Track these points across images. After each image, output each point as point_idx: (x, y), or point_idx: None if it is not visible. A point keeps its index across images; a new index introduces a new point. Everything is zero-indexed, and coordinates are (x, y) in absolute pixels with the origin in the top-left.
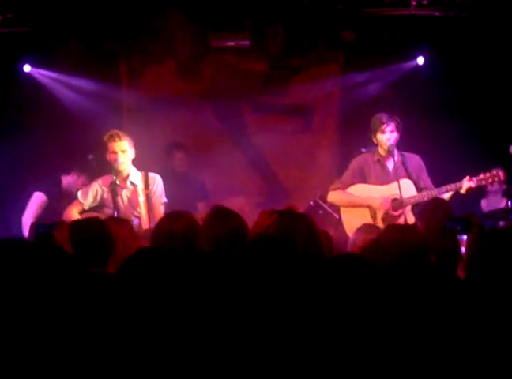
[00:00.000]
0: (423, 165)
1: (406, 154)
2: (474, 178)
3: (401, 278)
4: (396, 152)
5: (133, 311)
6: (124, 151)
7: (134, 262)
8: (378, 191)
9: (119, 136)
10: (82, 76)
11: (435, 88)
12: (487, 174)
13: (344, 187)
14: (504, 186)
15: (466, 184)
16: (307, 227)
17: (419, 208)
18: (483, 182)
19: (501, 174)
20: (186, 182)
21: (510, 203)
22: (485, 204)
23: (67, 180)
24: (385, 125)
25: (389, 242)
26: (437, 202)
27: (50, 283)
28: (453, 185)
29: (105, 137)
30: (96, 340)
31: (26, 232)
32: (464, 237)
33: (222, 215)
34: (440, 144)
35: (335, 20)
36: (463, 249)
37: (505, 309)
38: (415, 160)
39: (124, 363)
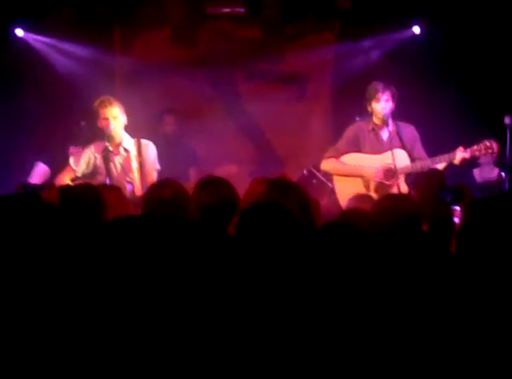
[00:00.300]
0: (417, 135)
1: (401, 124)
2: (468, 149)
3: (392, 247)
4: (391, 122)
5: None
6: (115, 117)
7: (110, 230)
8: (371, 160)
9: (110, 102)
10: (75, 41)
11: (431, 57)
12: (481, 146)
13: (338, 155)
14: (495, 157)
15: (460, 155)
16: (298, 196)
17: (412, 177)
18: (477, 153)
19: (494, 145)
20: (178, 148)
21: (502, 173)
22: (478, 174)
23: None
24: (380, 93)
25: (383, 210)
26: (431, 172)
27: (38, 234)
28: (446, 156)
29: (96, 104)
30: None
31: None
32: (457, 207)
33: (211, 184)
34: (435, 113)
35: None
36: (456, 219)
37: (493, 278)
38: (409, 130)
39: (109, 321)
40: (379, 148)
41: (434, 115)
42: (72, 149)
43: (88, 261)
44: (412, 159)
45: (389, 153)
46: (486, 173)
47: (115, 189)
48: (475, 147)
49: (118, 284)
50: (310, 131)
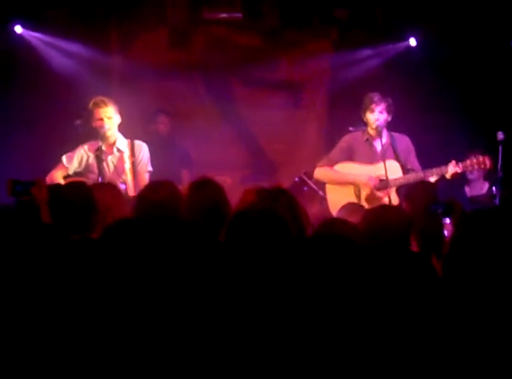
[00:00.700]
0: (412, 146)
1: (396, 134)
2: (460, 164)
3: (379, 258)
4: (385, 133)
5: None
6: (110, 117)
7: (112, 231)
8: (364, 170)
9: (104, 103)
10: (73, 40)
11: (426, 70)
12: (474, 160)
13: (331, 164)
14: (486, 172)
15: (452, 169)
16: (289, 204)
17: (404, 189)
18: (470, 168)
19: (487, 161)
20: (171, 149)
21: (493, 188)
22: (468, 189)
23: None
24: (374, 104)
25: (372, 221)
26: (423, 184)
27: (26, 253)
28: (438, 169)
29: (90, 104)
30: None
31: None
32: (447, 220)
33: (202, 186)
34: (429, 126)
35: None
36: (445, 232)
37: (481, 291)
38: (404, 141)
39: (104, 326)
40: (372, 158)
41: (428, 127)
42: None
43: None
44: (406, 170)
45: (381, 164)
46: (477, 187)
47: (111, 187)
48: (468, 161)
49: (116, 285)
50: (304, 139)
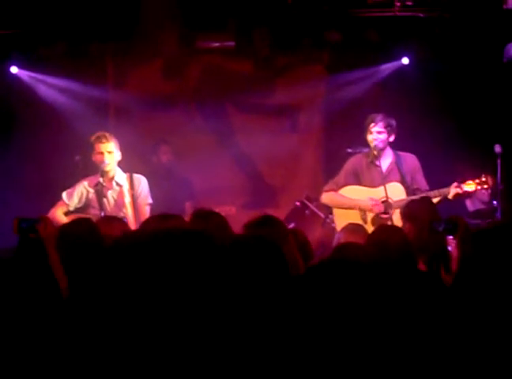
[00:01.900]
0: (418, 165)
1: (402, 154)
2: (462, 185)
3: (385, 278)
4: (390, 152)
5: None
6: (110, 152)
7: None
8: (369, 193)
9: (106, 138)
10: (69, 77)
11: (420, 88)
12: (476, 180)
13: (337, 188)
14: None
15: (453, 190)
16: (280, 230)
17: (406, 209)
18: (472, 189)
19: (490, 180)
20: (173, 181)
21: (494, 202)
22: (470, 203)
23: None
24: (373, 124)
25: (373, 242)
26: (425, 203)
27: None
28: (441, 191)
29: (92, 138)
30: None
31: None
32: (451, 237)
33: (202, 217)
34: (426, 143)
35: (320, 20)
36: (449, 248)
37: (490, 308)
38: (410, 160)
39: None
40: (378, 180)
41: (425, 145)
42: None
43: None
44: (412, 190)
45: (387, 186)
46: (478, 202)
47: (118, 221)
48: (470, 181)
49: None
50: (302, 163)
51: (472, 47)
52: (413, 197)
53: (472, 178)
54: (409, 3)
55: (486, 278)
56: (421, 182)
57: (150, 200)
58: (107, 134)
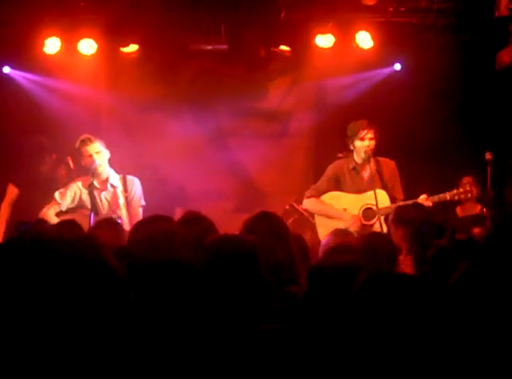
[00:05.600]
0: (397, 172)
1: (381, 160)
2: (434, 196)
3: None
4: (371, 159)
5: None
6: (98, 152)
7: None
8: (351, 199)
9: (90, 140)
10: (61, 78)
11: (411, 94)
12: (461, 190)
13: (318, 194)
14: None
15: (424, 202)
16: (272, 227)
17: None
18: (456, 197)
19: (474, 189)
20: (165, 185)
21: (484, 209)
22: (460, 211)
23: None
24: (365, 131)
25: (360, 248)
26: (415, 207)
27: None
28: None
29: (77, 144)
30: None
31: None
32: (440, 242)
33: (190, 220)
34: (416, 150)
35: (312, 25)
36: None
37: (490, 308)
38: (390, 168)
39: None
40: (360, 186)
41: (416, 152)
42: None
43: None
44: (392, 197)
45: (370, 193)
46: (468, 209)
47: (113, 224)
48: (455, 191)
49: None
50: (293, 167)
51: (465, 55)
52: (400, 203)
53: (457, 187)
54: (402, 9)
55: (485, 280)
56: (399, 191)
57: (143, 202)
58: (91, 136)
